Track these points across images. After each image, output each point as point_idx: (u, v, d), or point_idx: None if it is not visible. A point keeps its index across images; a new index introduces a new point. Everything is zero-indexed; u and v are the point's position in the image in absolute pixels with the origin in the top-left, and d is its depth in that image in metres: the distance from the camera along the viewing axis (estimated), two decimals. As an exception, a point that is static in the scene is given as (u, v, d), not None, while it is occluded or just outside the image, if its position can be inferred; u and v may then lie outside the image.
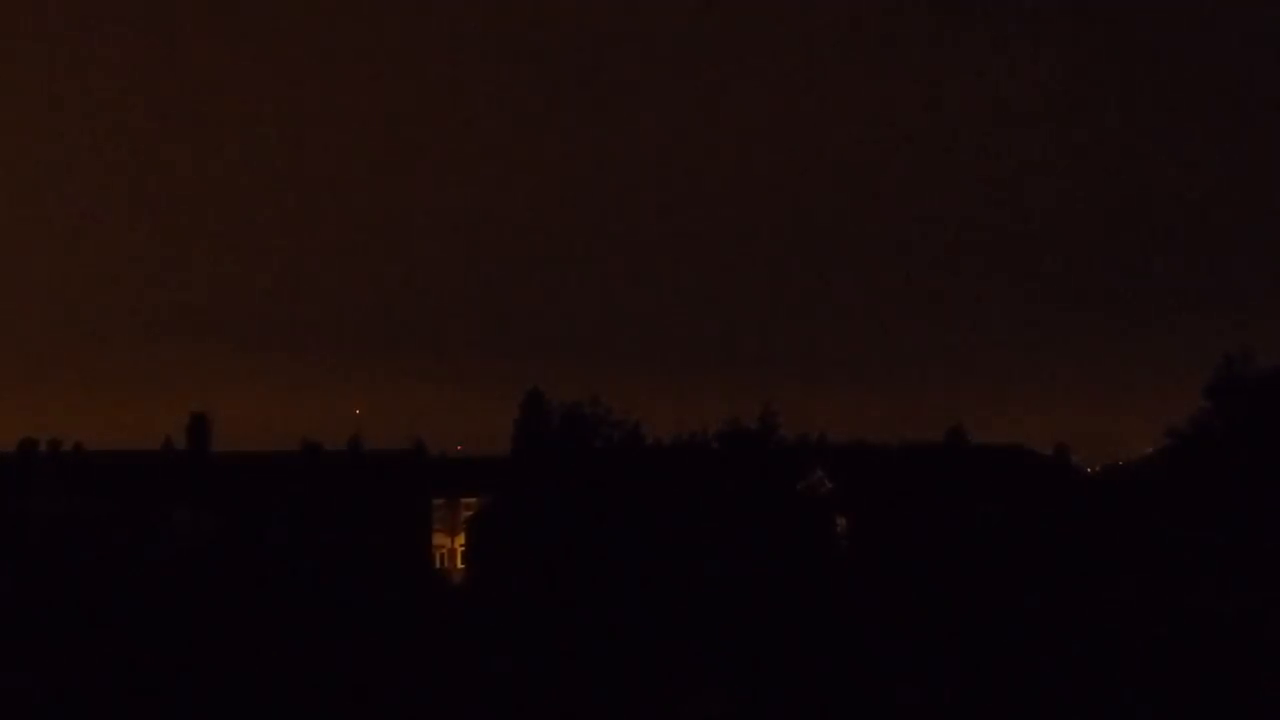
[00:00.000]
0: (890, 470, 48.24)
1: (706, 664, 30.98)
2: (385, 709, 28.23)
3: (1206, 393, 43.04)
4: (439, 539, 50.92)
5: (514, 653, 31.09)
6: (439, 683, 29.32)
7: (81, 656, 29.85)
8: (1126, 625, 32.55)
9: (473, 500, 49.55)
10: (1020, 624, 32.89)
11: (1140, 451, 63.77)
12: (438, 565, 50.13)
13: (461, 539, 50.01)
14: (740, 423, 45.13)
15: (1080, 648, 30.46)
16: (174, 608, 33.69)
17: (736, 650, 31.68)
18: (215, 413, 53.09)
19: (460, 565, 49.68)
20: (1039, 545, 39.87)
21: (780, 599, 35.63)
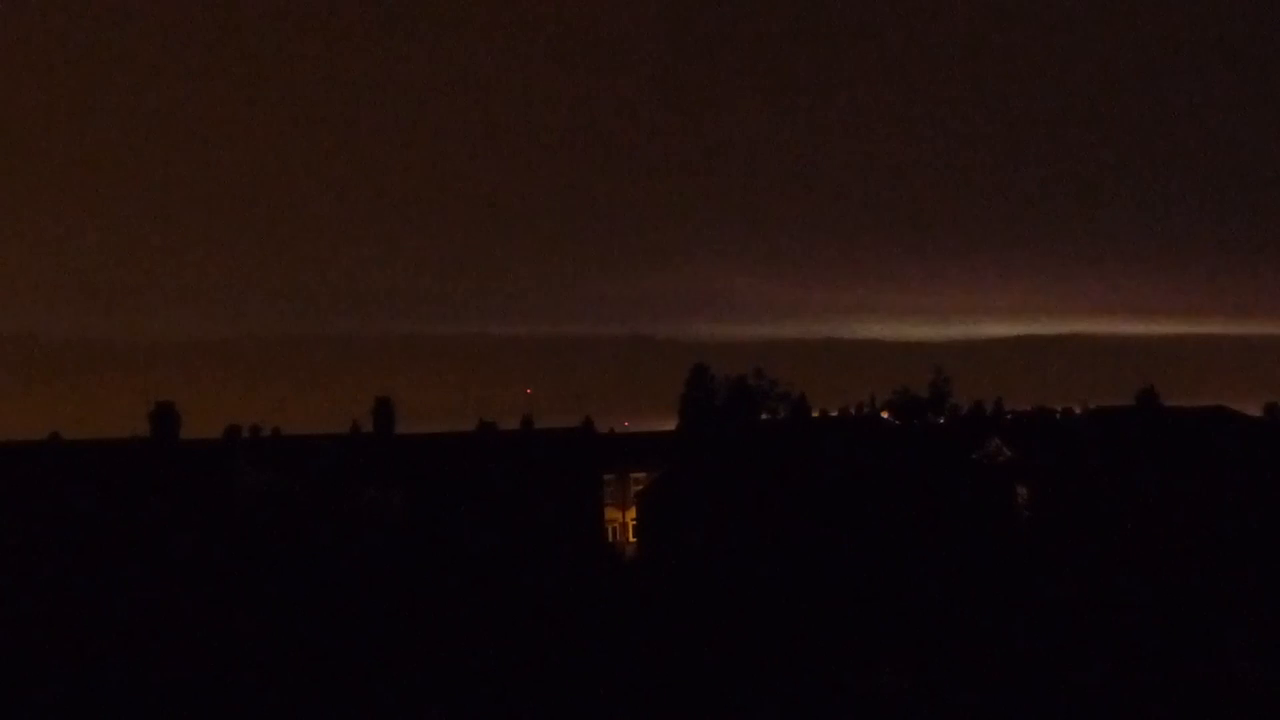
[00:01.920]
0: (1074, 437, 45.94)
1: (880, 639, 30.47)
2: (567, 676, 29.00)
3: None
4: (611, 513, 51.88)
5: (686, 621, 31.38)
6: (616, 654, 29.91)
7: (285, 626, 31.90)
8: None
9: (641, 475, 50.23)
10: (1215, 604, 30.89)
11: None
12: (610, 539, 51.12)
13: (633, 513, 50.81)
14: (910, 391, 43.90)
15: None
16: (365, 581, 35.55)
17: (910, 626, 31.01)
18: (397, 397, 55.61)
19: (632, 539, 50.51)
20: (1242, 516, 37.22)
21: (956, 573, 34.60)
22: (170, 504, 39.46)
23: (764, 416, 43.15)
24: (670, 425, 48.40)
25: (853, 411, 45.11)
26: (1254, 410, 50.84)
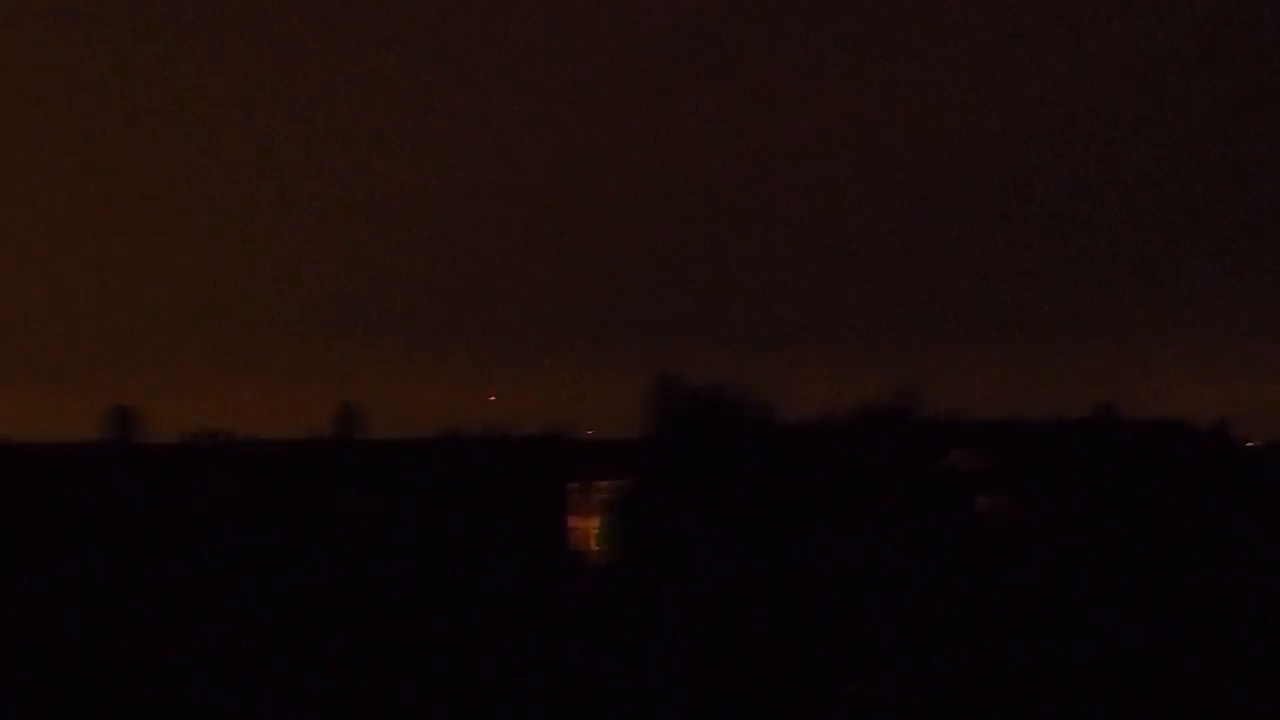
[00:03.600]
0: (1036, 447, 46.57)
1: (847, 647, 30.64)
2: (528, 680, 28.92)
3: None
4: (575, 521, 51.79)
5: (651, 629, 31.40)
6: (577, 658, 29.87)
7: (246, 631, 31.57)
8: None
9: (606, 484, 50.23)
10: (1174, 608, 31.36)
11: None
12: (574, 547, 51.01)
13: (597, 521, 50.75)
14: (876, 401, 44.37)
15: (1239, 633, 28.82)
16: (327, 587, 35.29)
17: (877, 632, 31.22)
18: (362, 402, 55.03)
19: (595, 547, 50.44)
20: (1194, 525, 37.87)
21: (921, 580, 34.91)
22: (128, 509, 38.97)
23: (729, 425, 43.35)
24: (636, 434, 48.49)
25: (819, 420, 45.38)
26: (1206, 424, 51.94)
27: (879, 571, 35.68)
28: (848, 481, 40.97)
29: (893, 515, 39.34)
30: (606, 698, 28.19)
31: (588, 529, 51.77)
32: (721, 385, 43.33)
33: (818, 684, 27.81)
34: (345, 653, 30.61)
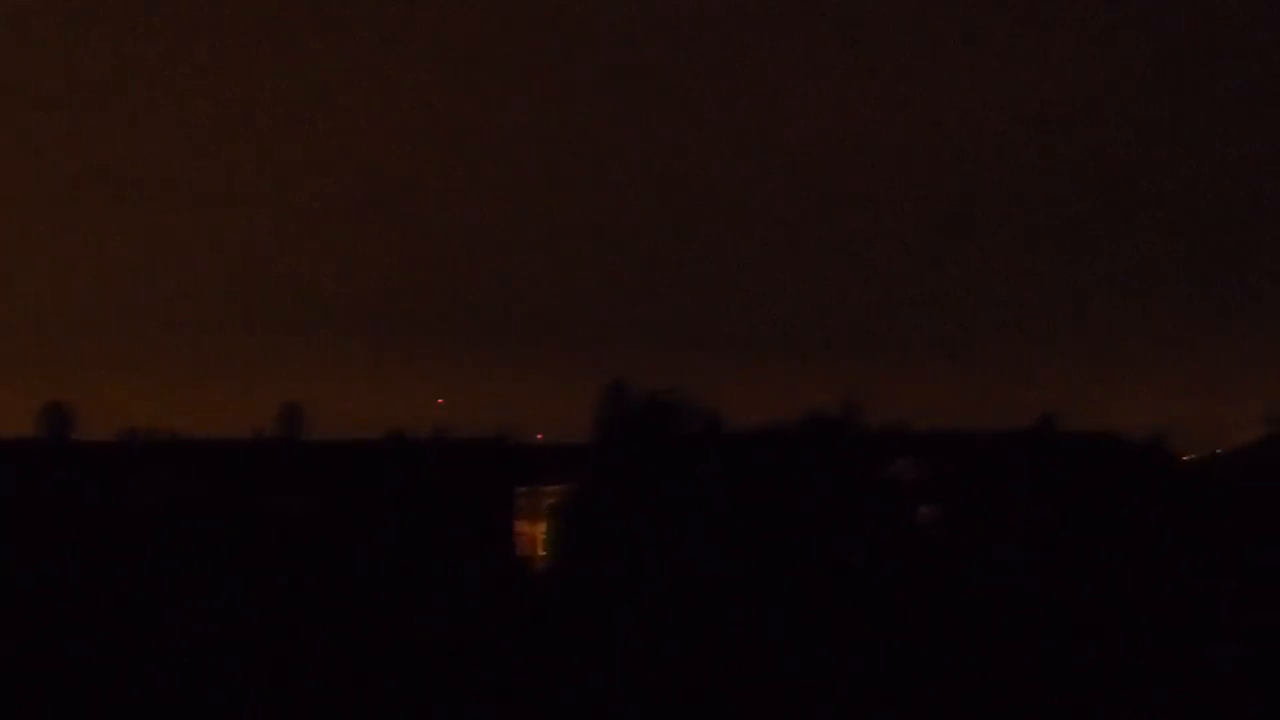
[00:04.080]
0: (977, 458, 47.37)
1: (785, 655, 30.86)
2: (468, 690, 28.74)
3: None
4: (522, 526, 51.56)
5: (595, 637, 31.38)
6: (519, 666, 29.74)
7: (175, 636, 30.96)
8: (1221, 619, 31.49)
9: (555, 488, 50.08)
10: (1109, 617, 32.06)
11: (1243, 439, 61.48)
12: (521, 552, 50.79)
13: (544, 526, 50.58)
14: (821, 410, 44.84)
15: (1170, 641, 29.56)
16: (266, 590, 34.75)
17: (816, 641, 31.48)
18: (306, 403, 54.32)
19: (542, 552, 50.27)
20: (1129, 536, 38.80)
21: (863, 588, 35.31)
22: (61, 509, 38.07)
23: (678, 432, 43.52)
24: (585, 439, 48.40)
25: (766, 428, 45.77)
26: (1142, 436, 53.27)
27: (822, 578, 36.05)
28: (792, 489, 41.36)
29: (835, 523, 39.79)
30: (552, 705, 28.11)
31: (535, 534, 51.58)
32: (671, 391, 43.54)
33: (765, 688, 28.00)
34: (285, 657, 30.17)
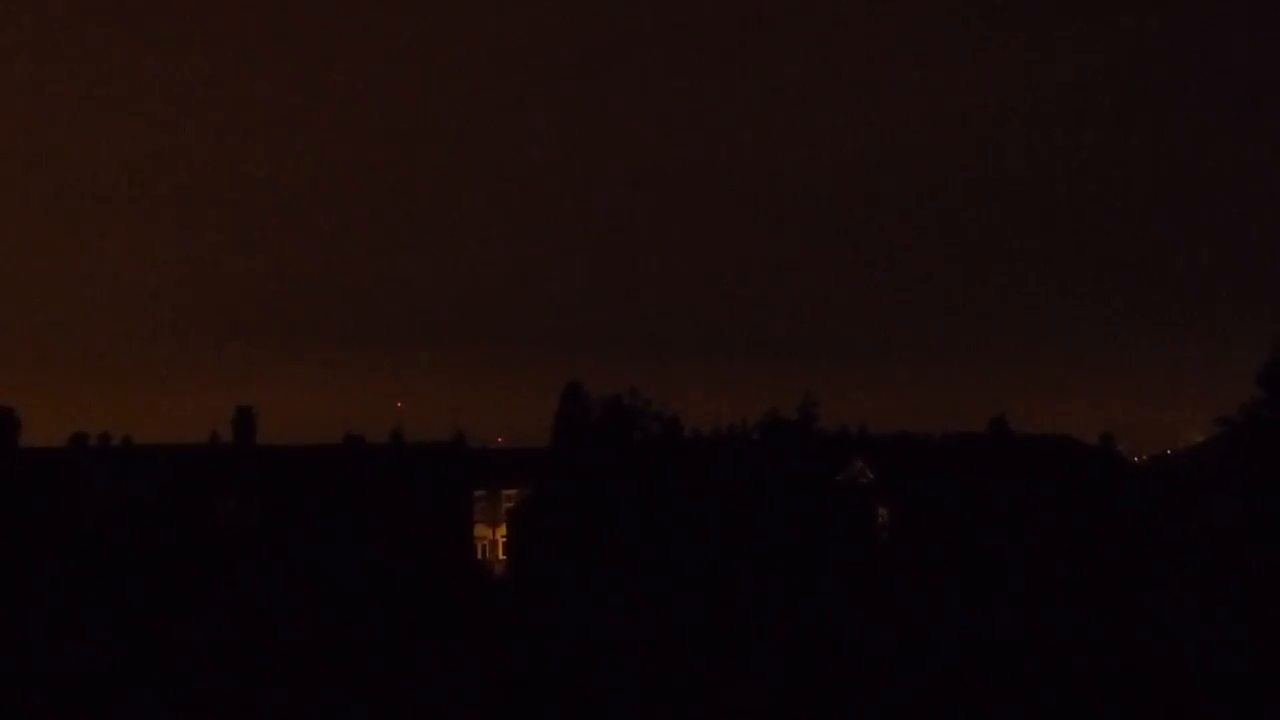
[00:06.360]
0: (932, 461, 47.88)
1: (744, 655, 30.95)
2: (426, 697, 28.51)
3: (1259, 380, 42.17)
4: (480, 530, 51.29)
5: (554, 642, 31.26)
6: (480, 672, 29.56)
7: (127, 639, 30.45)
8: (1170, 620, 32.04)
9: (513, 492, 49.88)
10: (1060, 619, 32.50)
11: (1190, 441, 62.82)
12: (480, 556, 50.51)
13: (503, 530, 50.35)
14: (779, 414, 45.09)
15: (1121, 643, 30.01)
16: (219, 596, 34.25)
17: (774, 641, 31.61)
18: (260, 407, 53.80)
19: (501, 556, 50.03)
20: (1082, 537, 39.37)
21: (820, 589, 35.50)
22: (9, 514, 37.32)
23: (637, 435, 43.54)
24: (544, 442, 48.23)
25: (724, 432, 45.95)
26: (1092, 439, 54.30)
27: (781, 578, 36.19)
28: (750, 491, 41.51)
29: (793, 524, 39.99)
30: (511, 705, 27.97)
31: (493, 537, 51.34)
32: (630, 394, 43.56)
33: (709, 692, 28.07)
34: (239, 660, 29.74)
